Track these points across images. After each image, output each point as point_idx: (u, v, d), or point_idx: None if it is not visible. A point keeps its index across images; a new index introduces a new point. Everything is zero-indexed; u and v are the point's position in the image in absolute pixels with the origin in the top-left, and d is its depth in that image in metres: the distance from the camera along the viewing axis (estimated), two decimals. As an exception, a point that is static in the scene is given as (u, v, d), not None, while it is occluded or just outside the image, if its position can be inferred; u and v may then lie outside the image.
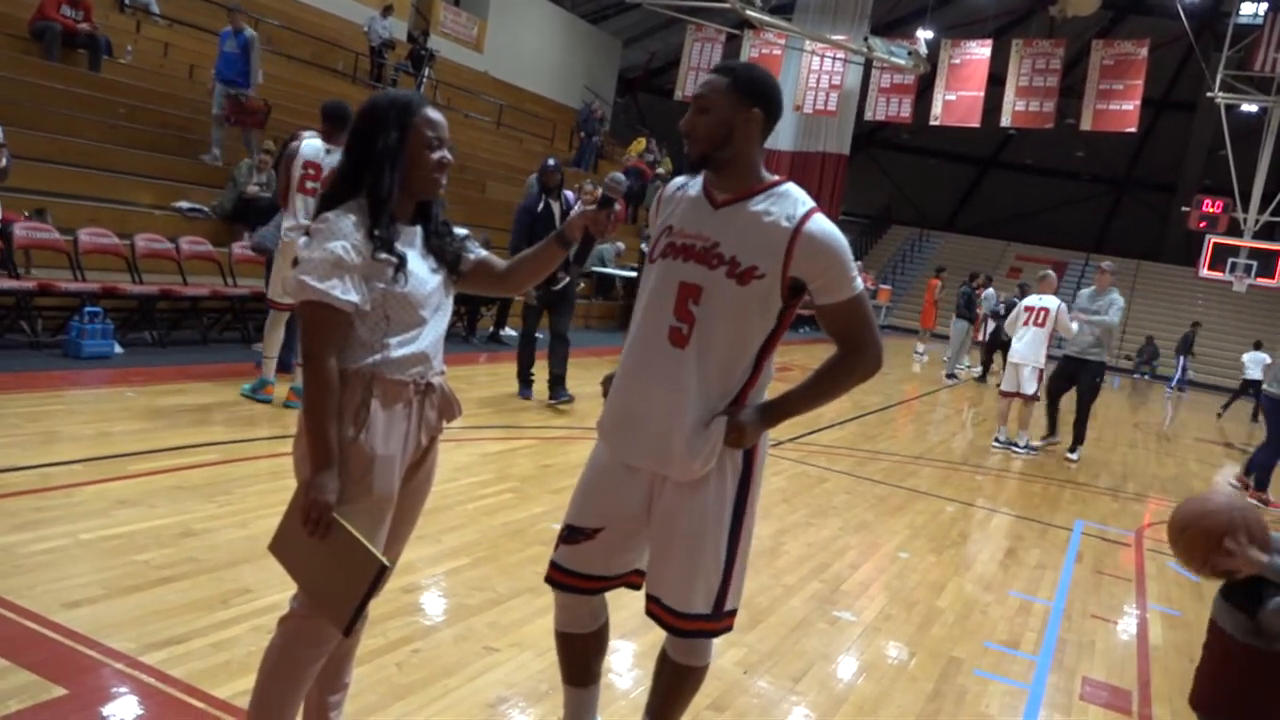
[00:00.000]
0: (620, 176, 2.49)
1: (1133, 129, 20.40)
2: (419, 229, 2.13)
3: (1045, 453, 9.03)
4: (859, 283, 2.15)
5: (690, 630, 2.22)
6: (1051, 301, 8.64)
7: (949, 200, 35.14)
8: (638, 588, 2.33)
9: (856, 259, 2.54)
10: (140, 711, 2.47)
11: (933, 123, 21.82)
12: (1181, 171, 30.09)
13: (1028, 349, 8.72)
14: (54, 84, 9.34)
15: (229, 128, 10.06)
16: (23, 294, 6.61)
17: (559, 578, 2.31)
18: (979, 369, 15.61)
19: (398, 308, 2.02)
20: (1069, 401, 9.15)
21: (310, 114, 5.96)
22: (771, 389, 2.26)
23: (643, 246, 13.35)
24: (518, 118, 20.35)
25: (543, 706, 2.80)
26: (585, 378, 8.06)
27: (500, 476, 5.33)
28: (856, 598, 4.23)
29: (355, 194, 2.02)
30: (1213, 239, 19.95)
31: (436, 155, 2.06)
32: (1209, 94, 19.97)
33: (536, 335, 7.58)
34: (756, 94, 2.13)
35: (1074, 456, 8.90)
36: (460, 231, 2.24)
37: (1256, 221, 19.84)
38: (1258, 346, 17.00)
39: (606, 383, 2.34)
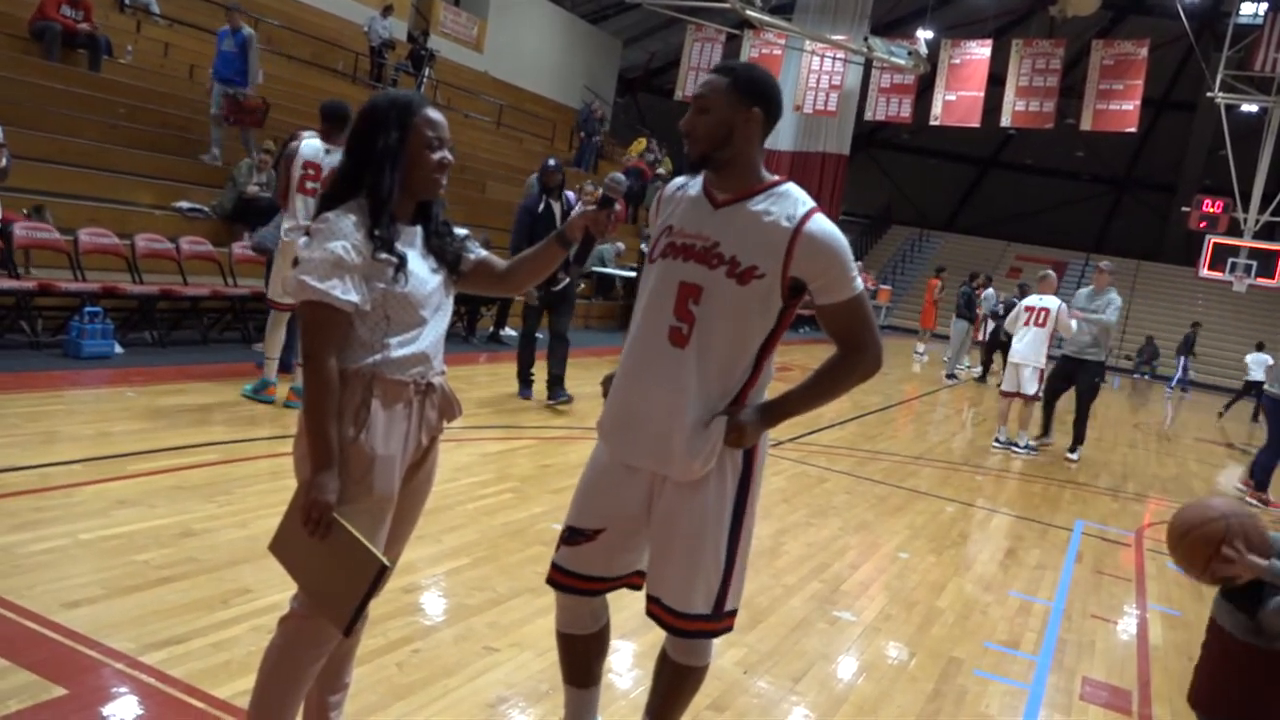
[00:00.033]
0: (620, 176, 2.49)
1: (1133, 129, 20.41)
2: (419, 229, 2.13)
3: (1041, 453, 9.02)
4: (859, 283, 2.15)
5: (690, 630, 2.22)
6: (1052, 302, 8.64)
7: (949, 200, 35.14)
8: (639, 588, 2.33)
9: (856, 259, 2.54)
10: (140, 711, 2.47)
11: (933, 123, 21.83)
12: (1181, 171, 30.10)
13: (1029, 349, 8.72)
14: (54, 84, 9.34)
15: (228, 127, 10.06)
16: (23, 294, 6.61)
17: (560, 579, 2.31)
18: (979, 369, 15.61)
19: (398, 308, 2.02)
20: (1065, 402, 9.15)
21: (310, 114, 5.96)
22: (771, 389, 2.26)
23: (642, 246, 13.35)
24: (518, 118, 20.35)
25: (543, 706, 2.80)
26: (585, 378, 8.06)
27: (500, 476, 5.33)
28: (856, 598, 4.23)
29: (355, 194, 2.02)
30: (1213, 239, 19.96)
31: (437, 155, 2.06)
32: (1209, 94, 19.98)
33: (537, 335, 7.58)
34: (756, 93, 2.13)
35: (1074, 456, 8.90)
36: (460, 231, 2.24)
37: (1256, 221, 19.84)
38: (1260, 348, 17.00)
39: (606, 383, 2.34)
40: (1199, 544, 2.19)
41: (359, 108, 2.11)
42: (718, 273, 2.11)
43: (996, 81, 21.22)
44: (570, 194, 7.91)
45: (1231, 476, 9.50)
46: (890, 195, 33.83)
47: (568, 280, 7.24)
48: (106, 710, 2.44)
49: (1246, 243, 19.65)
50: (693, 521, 2.16)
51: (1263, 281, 19.42)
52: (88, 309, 6.53)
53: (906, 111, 22.04)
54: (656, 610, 2.22)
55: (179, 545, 3.54)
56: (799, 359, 12.70)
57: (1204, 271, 20.19)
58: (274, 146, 8.95)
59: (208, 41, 12.00)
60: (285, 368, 6.39)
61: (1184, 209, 23.28)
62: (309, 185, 5.75)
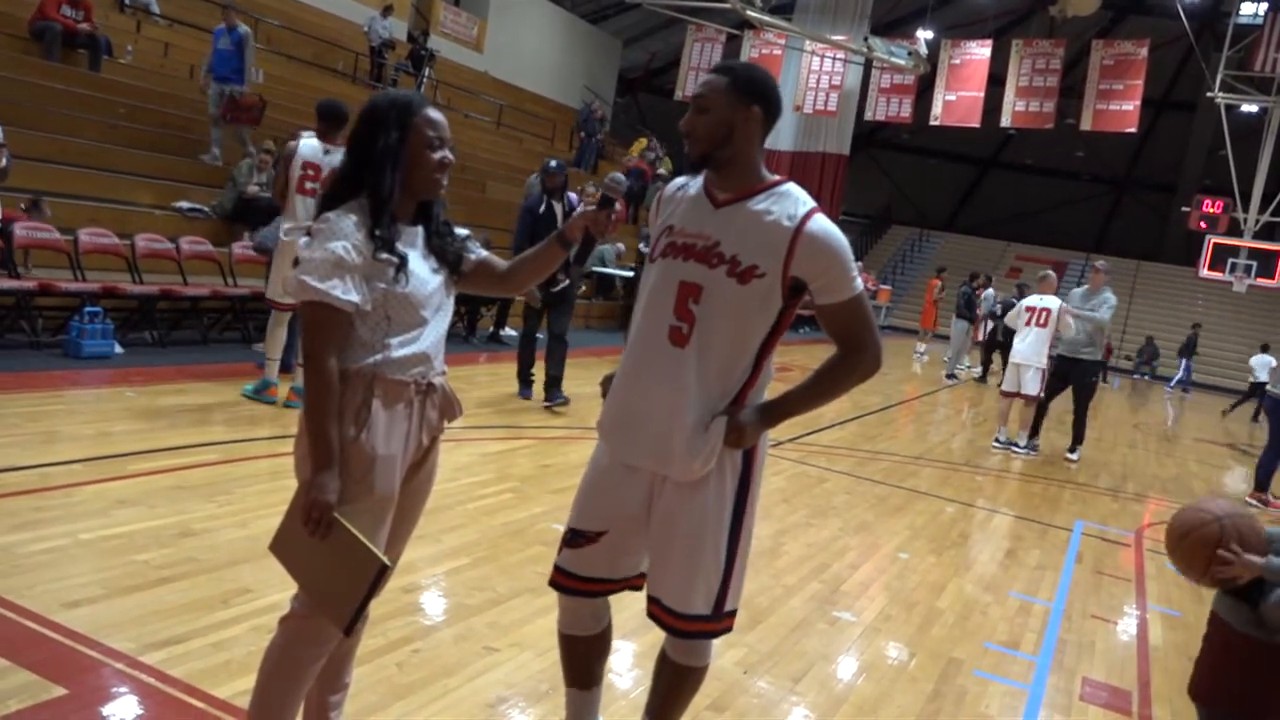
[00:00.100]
0: (620, 176, 2.49)
1: (1133, 129, 20.41)
2: (420, 229, 2.13)
3: (1041, 453, 9.00)
4: (859, 283, 2.15)
5: (690, 631, 2.22)
6: (1053, 302, 8.64)
7: (949, 200, 35.15)
8: (640, 589, 2.33)
9: (856, 259, 2.54)
10: (140, 711, 2.47)
11: (933, 123, 21.84)
12: (1181, 172, 30.10)
13: (1030, 350, 8.71)
14: (54, 84, 9.34)
15: (228, 127, 10.05)
16: (23, 294, 6.61)
17: (563, 581, 2.31)
18: (979, 369, 15.61)
19: (399, 308, 2.02)
20: (1064, 403, 9.13)
21: (310, 114, 5.95)
22: (771, 389, 2.26)
23: (641, 246, 13.34)
24: (518, 118, 20.35)
25: (543, 706, 2.80)
26: (585, 378, 8.06)
27: (500, 476, 5.33)
28: (856, 598, 4.23)
29: (356, 194, 2.02)
30: (1213, 239, 19.95)
31: (437, 155, 2.07)
32: (1209, 94, 19.97)
33: (537, 335, 7.57)
34: (756, 92, 2.13)
35: (1074, 457, 8.89)
36: (461, 232, 2.24)
37: (1256, 222, 19.84)
38: (1265, 349, 17.00)
39: (606, 383, 2.34)
40: (1197, 547, 2.20)
41: (359, 108, 2.11)
42: (718, 272, 2.11)
43: (996, 82, 21.22)
44: (572, 195, 7.89)
45: (1231, 477, 9.50)
46: (890, 195, 33.83)
47: (567, 281, 7.24)
48: (106, 710, 2.44)
49: (1246, 243, 19.64)
50: (692, 522, 2.16)
51: (1263, 282, 19.42)
52: (88, 309, 6.53)
53: (906, 111, 22.04)
54: (656, 611, 2.22)
55: (179, 545, 3.54)
56: (799, 359, 12.70)
57: (1204, 272, 20.19)
58: (274, 146, 8.94)
59: (208, 41, 11.95)
60: (285, 368, 6.39)
61: (1184, 209, 23.29)
62: (308, 185, 5.75)
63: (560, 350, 7.34)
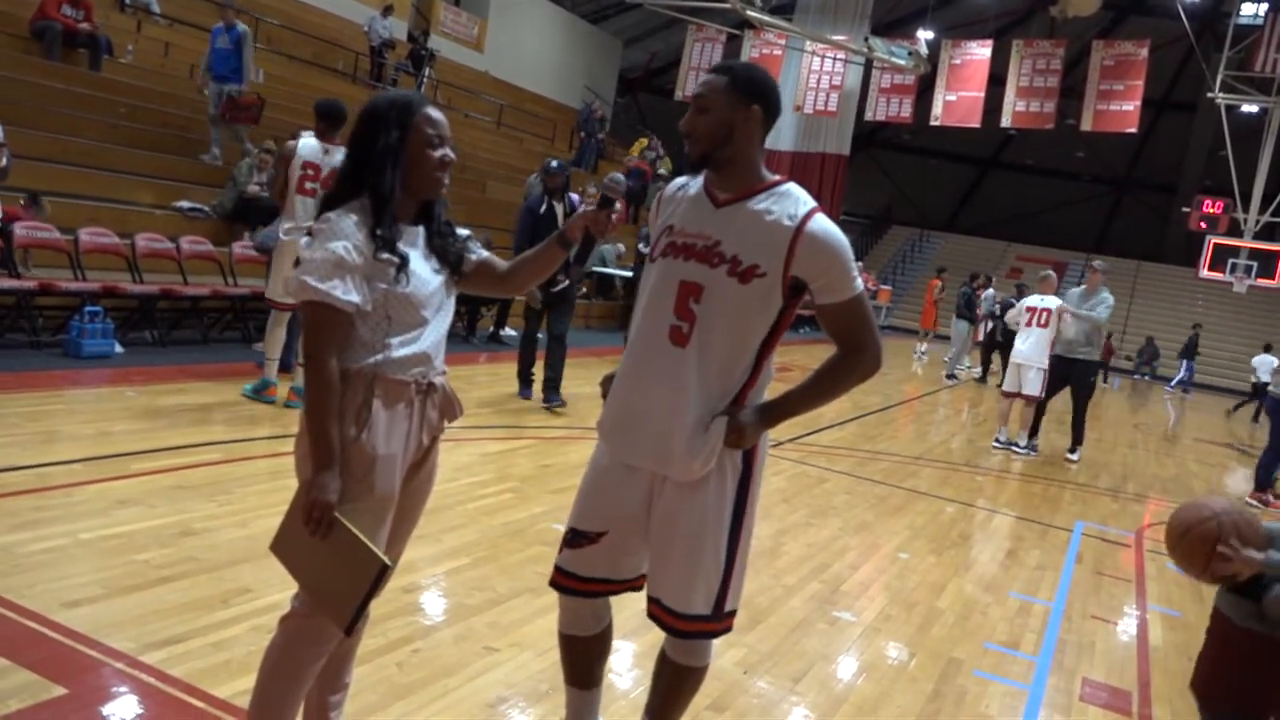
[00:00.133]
0: (619, 177, 2.50)
1: (1133, 129, 20.40)
2: (421, 229, 2.13)
3: (1042, 453, 9.00)
4: (859, 283, 2.16)
5: (690, 631, 2.22)
6: (1054, 302, 8.64)
7: (949, 201, 35.15)
8: (641, 591, 2.33)
9: (857, 259, 2.54)
10: (140, 711, 2.47)
11: (933, 123, 21.83)
12: (1182, 172, 30.10)
13: (1032, 350, 8.71)
14: (54, 83, 9.34)
15: (228, 126, 10.04)
16: (23, 293, 6.61)
17: (563, 581, 2.31)
18: (979, 370, 15.61)
19: (399, 308, 2.02)
20: (1063, 404, 9.12)
21: (310, 114, 5.95)
22: (771, 389, 2.26)
23: (640, 247, 13.34)
24: (518, 118, 20.35)
25: (543, 706, 2.80)
26: (585, 378, 8.06)
27: (500, 476, 5.33)
28: (856, 598, 4.23)
29: (357, 194, 2.02)
30: (1213, 239, 19.96)
31: (438, 153, 2.07)
32: (1209, 94, 19.98)
33: (538, 335, 7.57)
34: (755, 91, 2.13)
35: (1074, 457, 8.89)
36: (463, 232, 2.24)
37: (1257, 222, 19.85)
38: (1268, 349, 16.99)
39: (606, 383, 2.34)
40: (1196, 544, 2.20)
41: (360, 109, 2.11)
42: (719, 271, 2.11)
43: (997, 82, 21.22)
44: (574, 196, 7.88)
45: (1232, 477, 9.50)
46: (890, 195, 33.83)
47: (568, 281, 7.24)
48: (106, 710, 2.44)
49: (1247, 243, 19.65)
50: (692, 522, 2.16)
51: (1263, 282, 19.43)
52: (88, 308, 6.53)
53: (907, 112, 22.04)
54: (656, 611, 2.22)
55: (179, 545, 3.54)
56: (799, 359, 12.70)
57: (1204, 272, 20.20)
58: (275, 146, 8.94)
59: (208, 41, 11.99)
60: (285, 367, 6.39)
61: (1184, 209, 23.30)
62: (308, 185, 5.75)
63: (559, 351, 7.34)
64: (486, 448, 5.94)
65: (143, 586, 3.14)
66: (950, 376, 14.89)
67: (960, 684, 3.48)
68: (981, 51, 21.33)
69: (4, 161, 6.11)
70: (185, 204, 8.98)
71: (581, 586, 2.29)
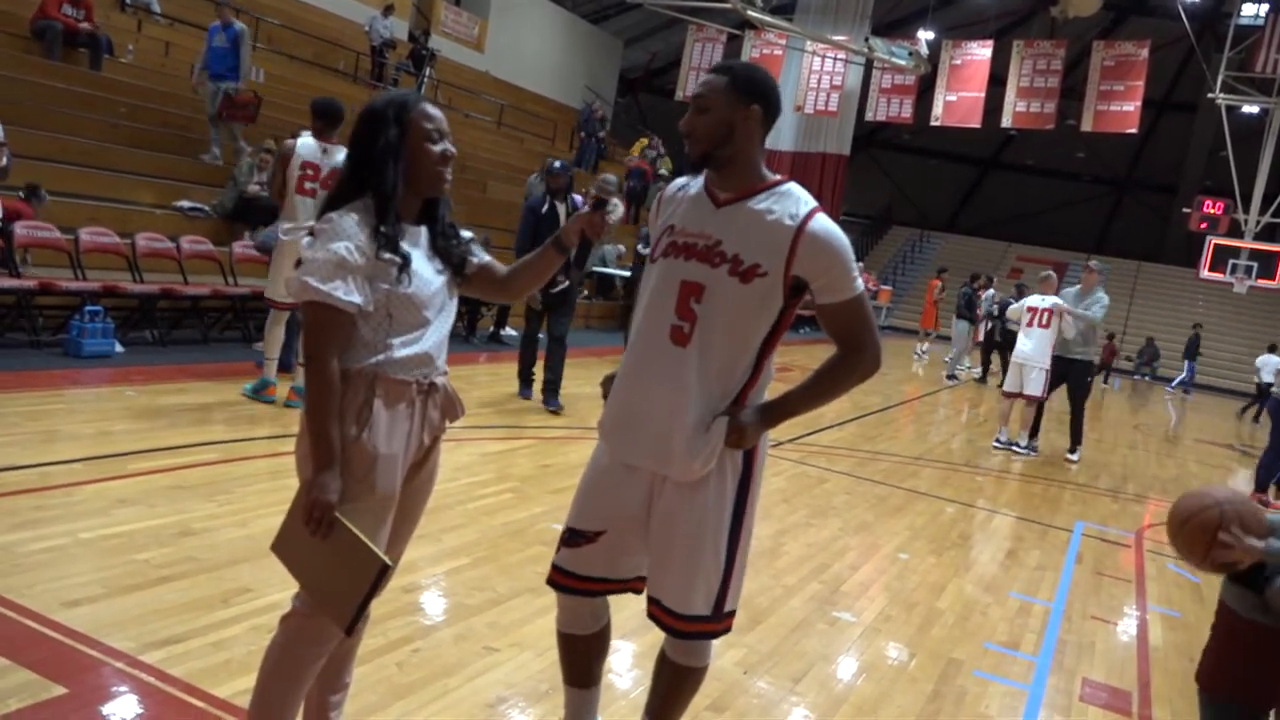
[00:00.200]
0: (611, 178, 2.51)
1: (1133, 130, 20.41)
2: (424, 229, 2.13)
3: (1042, 453, 9.00)
4: (860, 283, 2.16)
5: (690, 632, 2.21)
6: (1055, 301, 8.64)
7: (950, 201, 35.14)
8: (641, 593, 2.33)
9: (857, 260, 2.54)
10: (140, 710, 2.47)
11: (933, 123, 21.84)
12: (1182, 173, 30.09)
13: (1035, 350, 8.70)
14: (55, 83, 9.34)
15: (227, 125, 10.02)
16: (23, 293, 6.61)
17: (561, 580, 2.31)
18: (979, 370, 15.61)
19: (401, 308, 2.02)
20: (1060, 404, 9.11)
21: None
22: (771, 389, 2.26)
23: (640, 247, 13.35)
24: (519, 118, 20.35)
25: (543, 706, 2.80)
26: (585, 378, 8.06)
27: (500, 476, 5.33)
28: (856, 598, 4.23)
29: (359, 194, 2.03)
30: (1213, 240, 19.96)
31: (438, 148, 2.07)
32: (1210, 95, 19.98)
33: (539, 336, 7.57)
34: (755, 91, 2.13)
35: (1074, 457, 8.89)
36: (466, 234, 2.25)
37: (1257, 223, 19.85)
38: (1272, 349, 16.97)
39: (606, 383, 2.34)
40: (1197, 531, 2.20)
41: (358, 111, 2.12)
42: (720, 271, 2.11)
43: (997, 82, 21.23)
44: (578, 197, 7.86)
45: (1232, 478, 9.49)
46: (891, 196, 33.83)
47: (568, 283, 7.23)
48: (106, 709, 2.44)
49: (1247, 244, 19.65)
50: (692, 522, 2.15)
51: (1263, 283, 19.43)
52: (88, 308, 6.53)
53: (907, 112, 22.05)
54: (656, 611, 2.22)
55: (179, 544, 3.54)
56: (799, 359, 12.70)
57: (1205, 273, 20.20)
58: (275, 145, 8.93)
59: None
60: (285, 367, 6.39)
61: (1185, 210, 23.27)
62: (307, 185, 5.74)
63: (559, 353, 7.33)
64: (486, 448, 5.94)
65: (143, 586, 3.14)
66: (950, 377, 14.89)
67: (960, 684, 3.48)
68: (982, 52, 21.33)
69: (4, 161, 6.12)
70: (185, 204, 8.98)
71: (579, 585, 2.29)
